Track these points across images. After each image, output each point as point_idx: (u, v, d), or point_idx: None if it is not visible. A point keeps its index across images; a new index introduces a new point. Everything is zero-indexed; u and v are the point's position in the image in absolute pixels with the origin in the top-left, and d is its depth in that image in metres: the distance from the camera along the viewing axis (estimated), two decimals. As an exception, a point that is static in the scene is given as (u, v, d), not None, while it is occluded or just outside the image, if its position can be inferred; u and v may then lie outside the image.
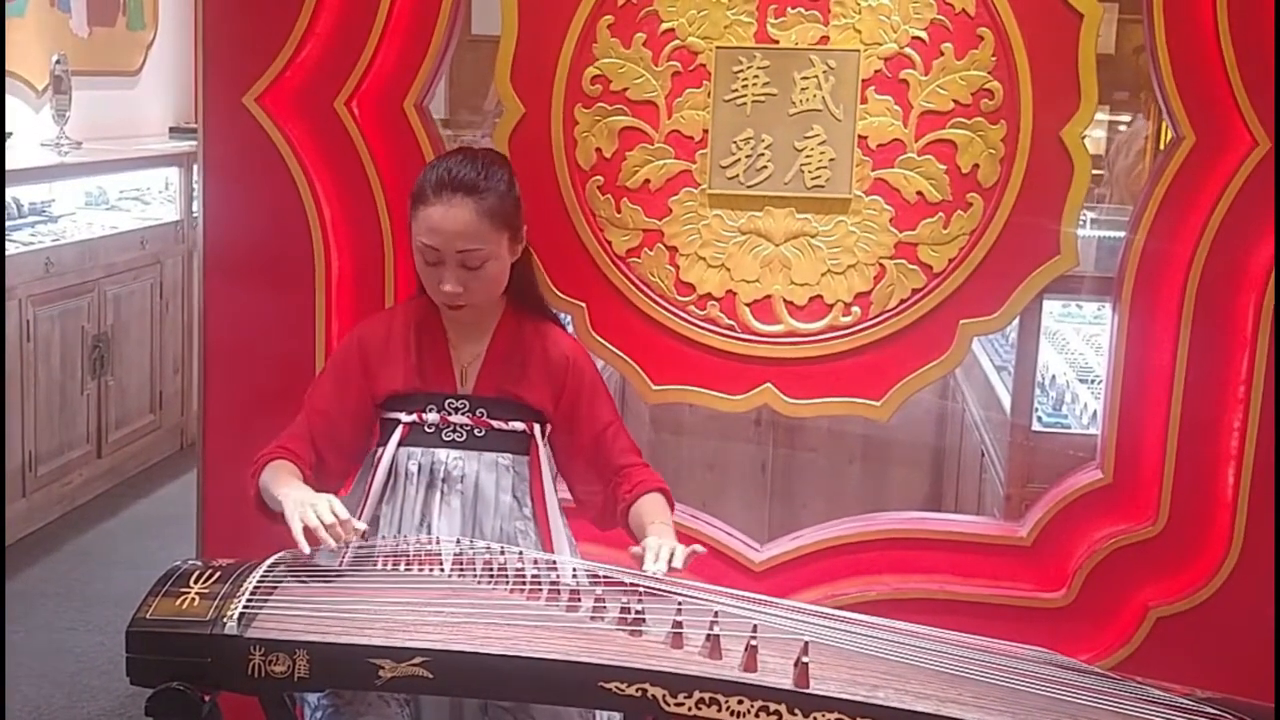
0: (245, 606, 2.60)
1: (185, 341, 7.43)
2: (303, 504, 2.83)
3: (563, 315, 3.60)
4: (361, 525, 2.88)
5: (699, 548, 2.91)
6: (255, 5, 3.58)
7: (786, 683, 2.49)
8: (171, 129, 8.40)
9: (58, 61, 6.97)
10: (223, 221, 3.70)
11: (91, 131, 7.39)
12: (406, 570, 2.85)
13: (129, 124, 8.17)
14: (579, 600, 2.73)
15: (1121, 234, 3.72)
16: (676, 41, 3.56)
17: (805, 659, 2.49)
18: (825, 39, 3.53)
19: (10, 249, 6.01)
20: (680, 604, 2.67)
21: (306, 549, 2.77)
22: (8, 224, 6.26)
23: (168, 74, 8.59)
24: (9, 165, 6.07)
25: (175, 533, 5.90)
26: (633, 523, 3.09)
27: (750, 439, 4.67)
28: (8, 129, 5.92)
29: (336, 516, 2.80)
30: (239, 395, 3.72)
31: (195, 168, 6.92)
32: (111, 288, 6.74)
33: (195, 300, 7.06)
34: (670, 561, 2.81)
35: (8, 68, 6.78)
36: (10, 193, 6.37)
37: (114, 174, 7.46)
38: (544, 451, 3.17)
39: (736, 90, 3.57)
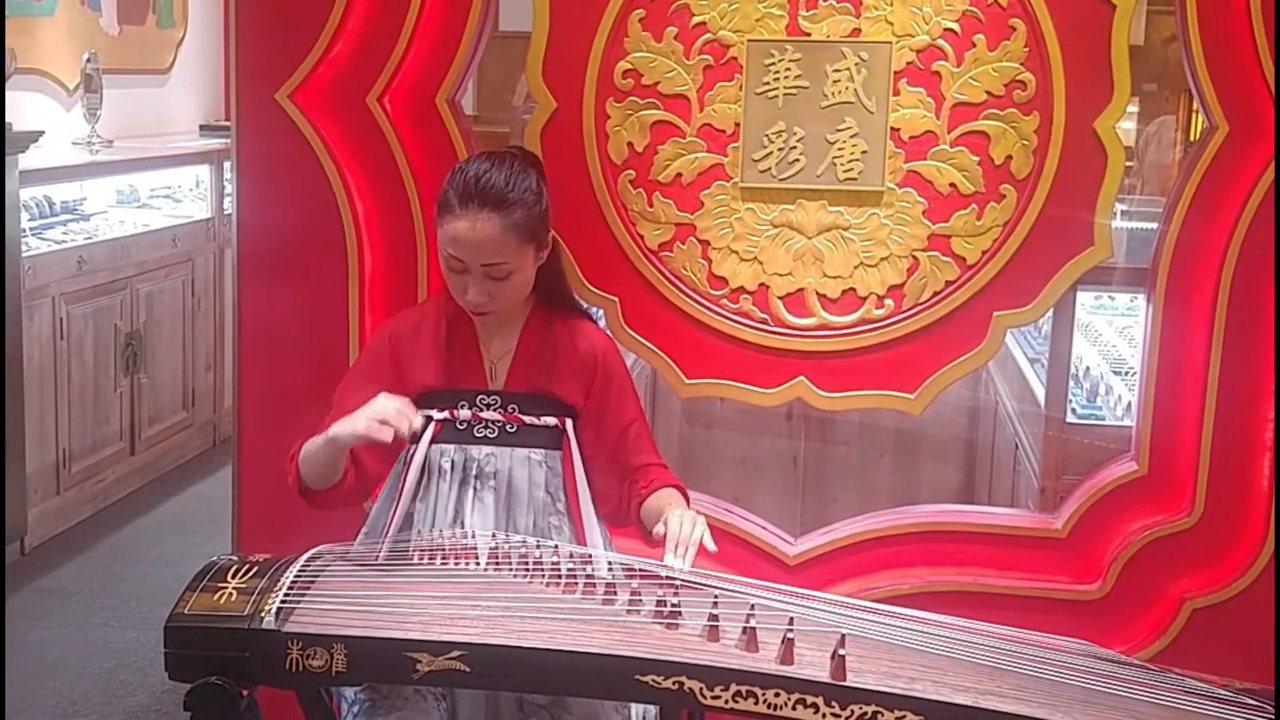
0: (283, 601, 2.61)
1: (217, 338, 7.46)
2: (356, 412, 2.85)
3: (595, 309, 3.60)
4: (419, 419, 2.89)
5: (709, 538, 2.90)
6: (288, 2, 3.59)
7: (824, 675, 2.48)
8: (202, 127, 8.43)
9: (88, 60, 7.00)
10: (256, 217, 3.71)
11: (122, 130, 7.43)
12: (442, 565, 2.86)
13: (159, 122, 8.21)
14: (615, 593, 2.73)
15: (1152, 225, 3.71)
16: (708, 35, 3.56)
17: (842, 651, 2.49)
18: (857, 31, 3.53)
19: (42, 247, 6.06)
20: (716, 597, 2.67)
21: (386, 436, 2.79)
22: (40, 222, 6.30)
23: (197, 72, 8.62)
24: (41, 164, 6.12)
25: (208, 529, 5.95)
26: (646, 515, 3.07)
27: (782, 433, 4.67)
28: (39, 128, 5.95)
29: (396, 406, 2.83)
30: (273, 390, 3.73)
31: (226, 165, 7.04)
32: (143, 285, 6.77)
33: (227, 297, 7.16)
34: (686, 554, 2.81)
35: (39, 67, 6.82)
36: (42, 191, 6.42)
37: (145, 172, 7.49)
38: (576, 446, 3.16)
39: (768, 83, 3.57)
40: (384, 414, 2.81)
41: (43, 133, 5.93)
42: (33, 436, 5.84)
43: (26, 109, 6.61)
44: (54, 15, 7.01)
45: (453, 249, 2.98)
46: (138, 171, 7.42)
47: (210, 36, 8.65)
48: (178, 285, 7.14)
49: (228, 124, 3.94)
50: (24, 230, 5.88)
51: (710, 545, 2.86)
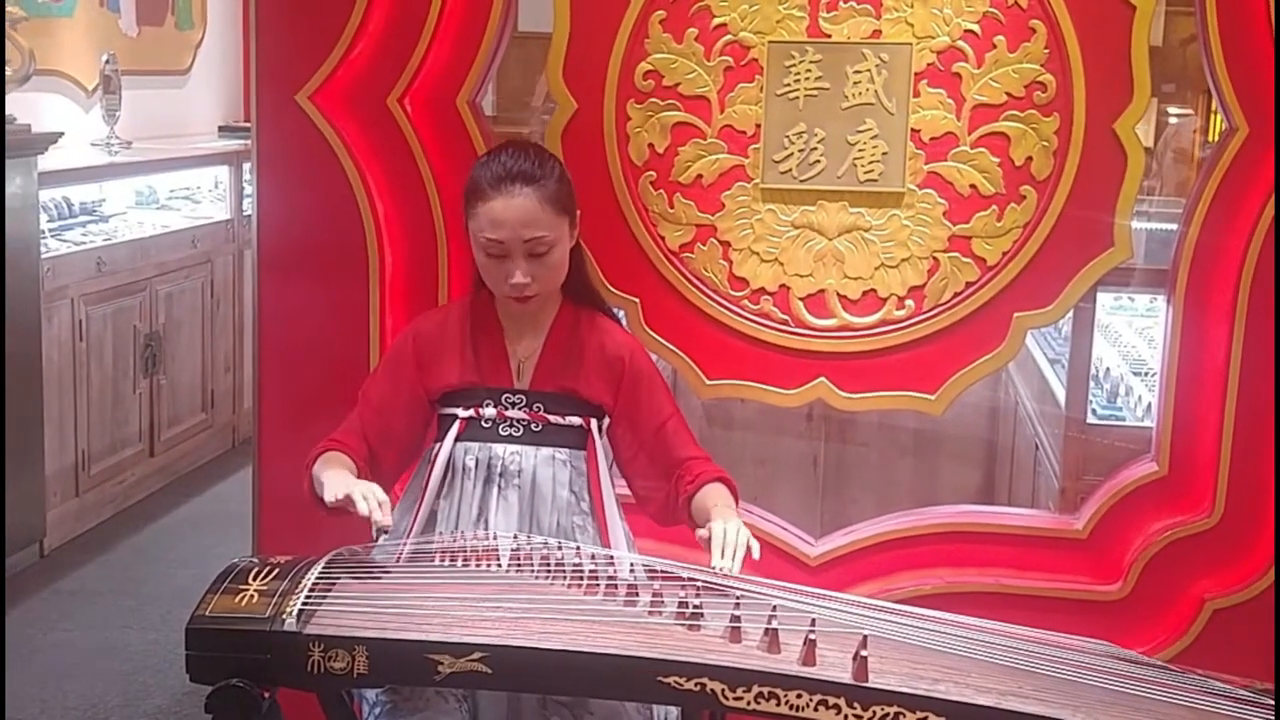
0: (304, 603, 2.61)
1: (236, 340, 7.47)
2: (345, 483, 2.86)
3: (616, 310, 3.60)
4: (389, 524, 2.87)
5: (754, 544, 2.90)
6: (308, 4, 3.59)
7: (845, 676, 2.48)
8: (221, 128, 8.45)
9: (107, 61, 7.02)
10: (276, 219, 3.71)
11: (141, 131, 7.44)
12: (464, 566, 2.86)
13: (178, 123, 8.22)
14: (636, 595, 2.73)
15: (1171, 226, 3.70)
16: (729, 36, 3.56)
17: (864, 652, 2.49)
18: (877, 33, 3.53)
19: (62, 248, 6.08)
20: (738, 598, 2.68)
21: (362, 510, 2.79)
22: (59, 224, 6.31)
23: (216, 73, 8.63)
24: (60, 165, 6.13)
25: (228, 531, 5.95)
26: (695, 512, 3.05)
27: (802, 433, 4.66)
28: (59, 129, 5.96)
29: (376, 497, 2.82)
30: (293, 392, 3.73)
31: (245, 166, 7.06)
32: (163, 287, 6.78)
33: (246, 298, 7.17)
34: (734, 556, 2.79)
35: (58, 68, 6.84)
36: (61, 192, 6.43)
37: (164, 173, 7.50)
38: (601, 446, 3.16)
39: (789, 85, 3.57)
40: (368, 496, 2.82)
41: (62, 134, 5.94)
42: (52, 438, 5.85)
43: (46, 110, 6.62)
44: (73, 16, 7.03)
45: (491, 232, 2.99)
46: (157, 173, 7.43)
47: (229, 37, 8.67)
48: (197, 286, 7.15)
49: (247, 125, 3.95)
50: (43, 231, 5.89)
51: (755, 552, 2.85)
